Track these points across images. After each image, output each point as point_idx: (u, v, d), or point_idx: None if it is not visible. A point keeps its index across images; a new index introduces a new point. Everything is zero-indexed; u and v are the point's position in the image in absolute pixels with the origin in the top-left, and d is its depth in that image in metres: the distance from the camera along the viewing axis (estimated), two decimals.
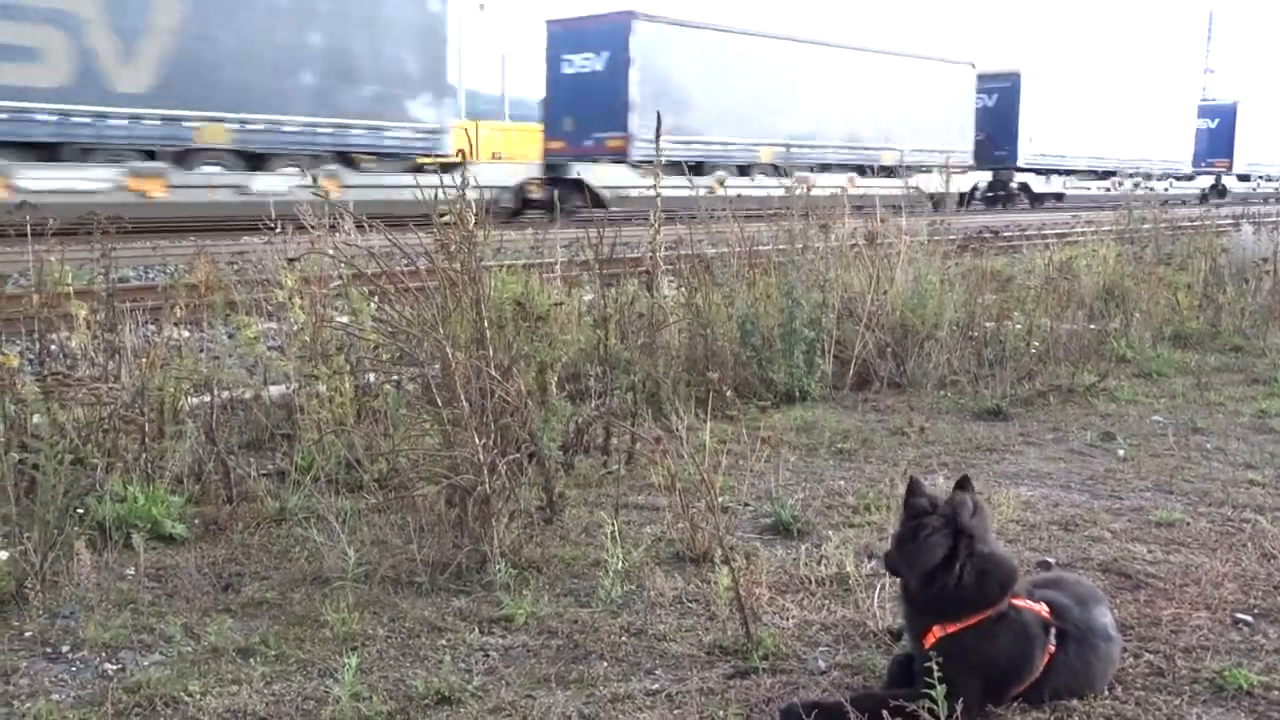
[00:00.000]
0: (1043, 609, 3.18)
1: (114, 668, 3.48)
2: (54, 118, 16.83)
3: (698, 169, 24.79)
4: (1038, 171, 38.48)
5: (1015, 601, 3.14)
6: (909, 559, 3.15)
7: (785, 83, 28.12)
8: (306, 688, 3.34)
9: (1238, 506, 5.12)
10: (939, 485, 5.31)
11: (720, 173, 26.27)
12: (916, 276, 8.27)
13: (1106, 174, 41.10)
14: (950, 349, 7.80)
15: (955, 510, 3.15)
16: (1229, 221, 16.26)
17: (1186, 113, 46.21)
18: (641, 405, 6.01)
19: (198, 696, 3.26)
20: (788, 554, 4.44)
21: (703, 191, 12.81)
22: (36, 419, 4.59)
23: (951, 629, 3.07)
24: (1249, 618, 3.83)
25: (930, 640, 3.09)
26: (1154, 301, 9.69)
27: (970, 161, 34.47)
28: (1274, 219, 17.07)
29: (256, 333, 6.06)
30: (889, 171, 28.17)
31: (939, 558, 3.09)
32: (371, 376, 5.66)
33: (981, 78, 35.66)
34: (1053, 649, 3.16)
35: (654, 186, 6.22)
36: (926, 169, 28.31)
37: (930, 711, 2.92)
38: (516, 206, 23.44)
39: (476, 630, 3.75)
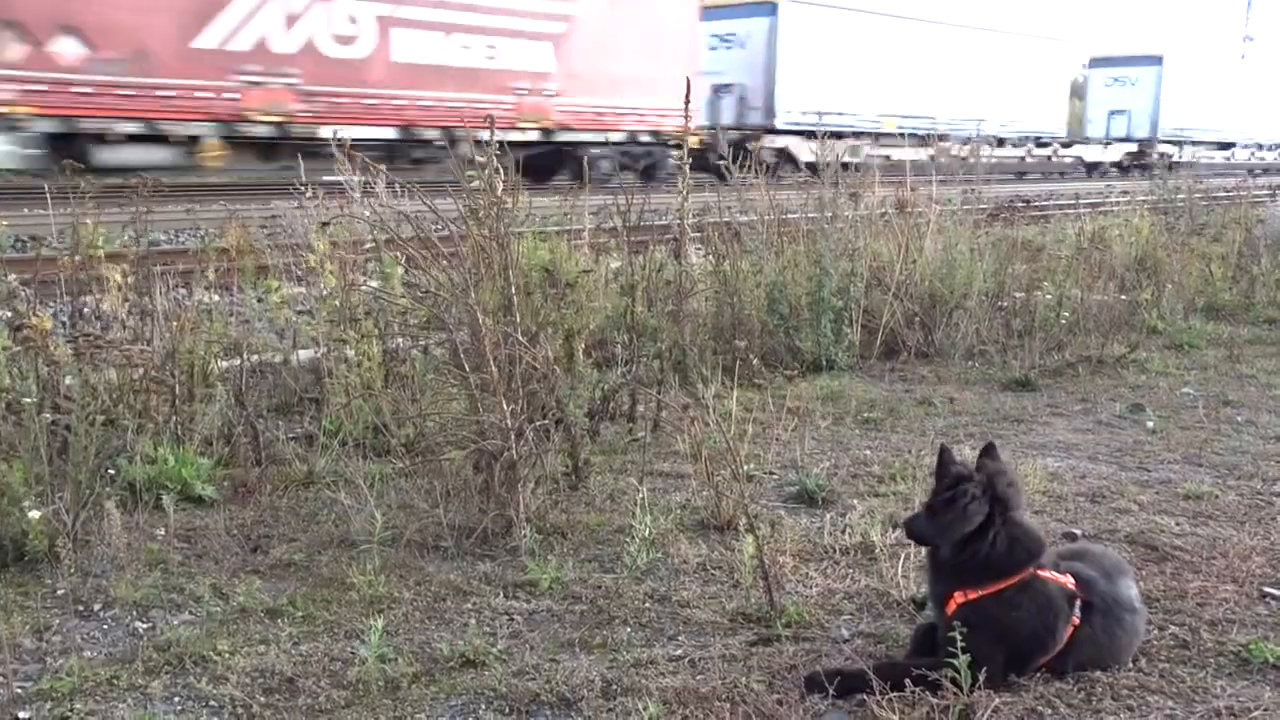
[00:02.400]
0: (1068, 580, 3.17)
1: (144, 626, 3.53)
2: None
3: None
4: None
5: (1040, 573, 3.13)
6: (944, 526, 3.13)
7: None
8: (333, 649, 3.38)
9: (1268, 480, 5.08)
10: (965, 456, 5.29)
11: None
12: (946, 246, 8.21)
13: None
14: (979, 319, 7.76)
15: (992, 478, 3.16)
16: (1265, 192, 16.05)
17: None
18: (668, 373, 6.01)
19: (226, 656, 3.30)
20: (812, 523, 4.44)
21: None
22: (69, 380, 4.63)
23: (973, 596, 3.07)
24: (1276, 591, 3.81)
25: (952, 607, 3.09)
26: (1186, 273, 9.59)
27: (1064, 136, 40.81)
28: None
29: (284, 297, 6.08)
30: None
31: (976, 524, 3.09)
32: (400, 341, 5.68)
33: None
34: (1077, 621, 3.16)
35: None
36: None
37: (953, 681, 2.93)
38: None
39: (501, 594, 3.78)
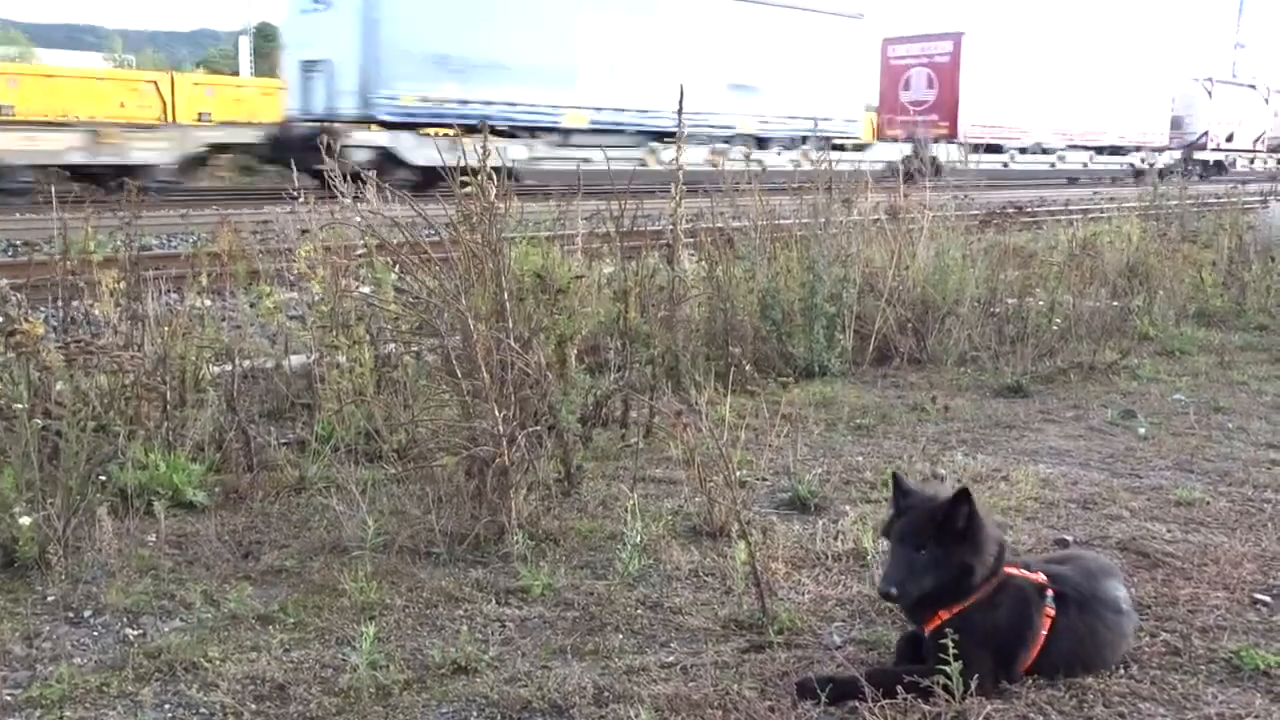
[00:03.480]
0: (1038, 576, 3.21)
1: (135, 633, 3.52)
2: None
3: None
4: None
5: (1009, 570, 3.16)
6: (972, 555, 3.10)
7: None
8: (325, 655, 3.37)
9: (1258, 486, 5.09)
10: (958, 462, 5.31)
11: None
12: (939, 252, 8.23)
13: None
14: (971, 325, 7.77)
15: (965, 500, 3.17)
16: (1256, 199, 16.10)
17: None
18: (660, 379, 6.01)
19: (217, 662, 3.29)
20: (805, 529, 4.44)
21: None
22: (60, 386, 4.62)
23: (957, 610, 3.08)
24: (1267, 598, 3.82)
25: (935, 623, 3.08)
26: (1178, 279, 9.62)
27: None
28: None
29: (276, 302, 6.08)
30: None
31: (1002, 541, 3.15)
32: (392, 347, 5.68)
33: None
34: (1052, 611, 3.17)
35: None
36: None
37: (945, 688, 2.93)
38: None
39: (493, 601, 3.77)
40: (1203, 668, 3.34)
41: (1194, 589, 3.88)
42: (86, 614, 3.64)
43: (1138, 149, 40.59)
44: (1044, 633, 3.16)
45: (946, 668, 2.92)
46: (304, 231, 6.00)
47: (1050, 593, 3.19)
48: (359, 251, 5.96)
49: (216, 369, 5.58)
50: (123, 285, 5.64)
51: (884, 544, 4.16)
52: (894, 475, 3.25)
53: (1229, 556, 4.17)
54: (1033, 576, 3.20)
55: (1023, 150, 36.28)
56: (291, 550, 4.19)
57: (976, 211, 11.00)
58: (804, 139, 27.74)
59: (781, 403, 6.15)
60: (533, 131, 23.38)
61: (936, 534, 3.07)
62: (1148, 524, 4.57)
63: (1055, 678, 3.20)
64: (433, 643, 3.45)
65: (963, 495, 3.08)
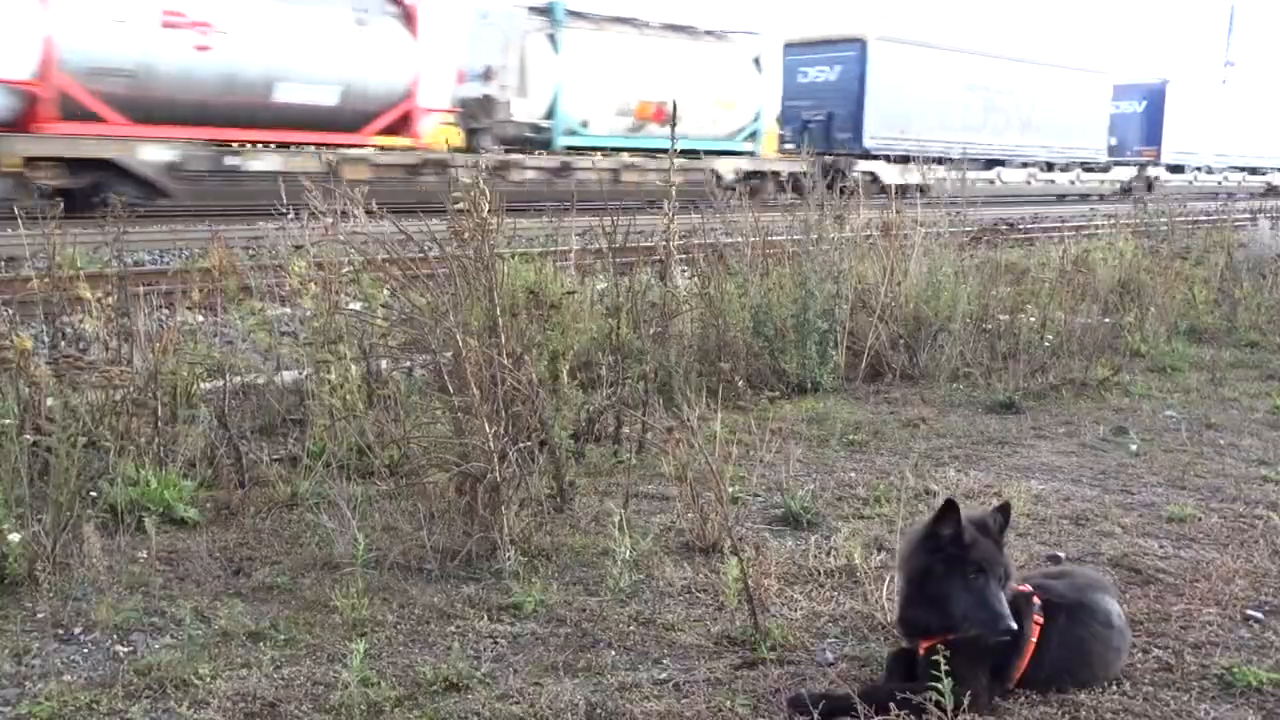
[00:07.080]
0: (1024, 587, 3.23)
1: (125, 650, 3.50)
2: None
3: None
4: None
5: None
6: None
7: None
8: (316, 672, 3.36)
9: (1250, 503, 5.10)
10: (949, 479, 5.31)
11: None
12: (931, 268, 8.24)
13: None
14: (963, 341, 7.78)
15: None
16: (1246, 216, 16.18)
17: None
18: (653, 394, 6.00)
19: (207, 679, 3.28)
20: (797, 545, 4.44)
21: None
22: (50, 402, 4.60)
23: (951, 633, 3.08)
24: (1259, 614, 3.82)
25: (932, 640, 3.08)
26: (1169, 296, 9.63)
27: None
28: None
29: (264, 319, 6.06)
30: None
31: None
32: (384, 363, 5.67)
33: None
34: (1041, 619, 3.18)
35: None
36: None
37: (937, 704, 2.92)
38: None
39: (485, 617, 3.76)
40: (1195, 684, 3.35)
41: (1186, 605, 3.89)
42: (76, 631, 3.62)
43: (1274, 170, 47.34)
44: (1034, 640, 3.17)
45: (939, 685, 2.91)
46: (297, 247, 5.98)
47: (1036, 601, 3.20)
48: (343, 270, 5.93)
49: (208, 385, 5.57)
50: (111, 301, 5.62)
51: (876, 560, 4.16)
52: (949, 502, 3.14)
53: (1221, 573, 4.17)
54: (1019, 588, 3.21)
55: (1198, 169, 43.92)
56: (283, 567, 4.18)
57: (969, 228, 11.01)
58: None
59: (773, 419, 6.15)
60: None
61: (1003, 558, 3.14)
62: (1140, 540, 4.57)
63: (1046, 691, 3.20)
64: (424, 659, 3.44)
65: (1005, 509, 3.21)
